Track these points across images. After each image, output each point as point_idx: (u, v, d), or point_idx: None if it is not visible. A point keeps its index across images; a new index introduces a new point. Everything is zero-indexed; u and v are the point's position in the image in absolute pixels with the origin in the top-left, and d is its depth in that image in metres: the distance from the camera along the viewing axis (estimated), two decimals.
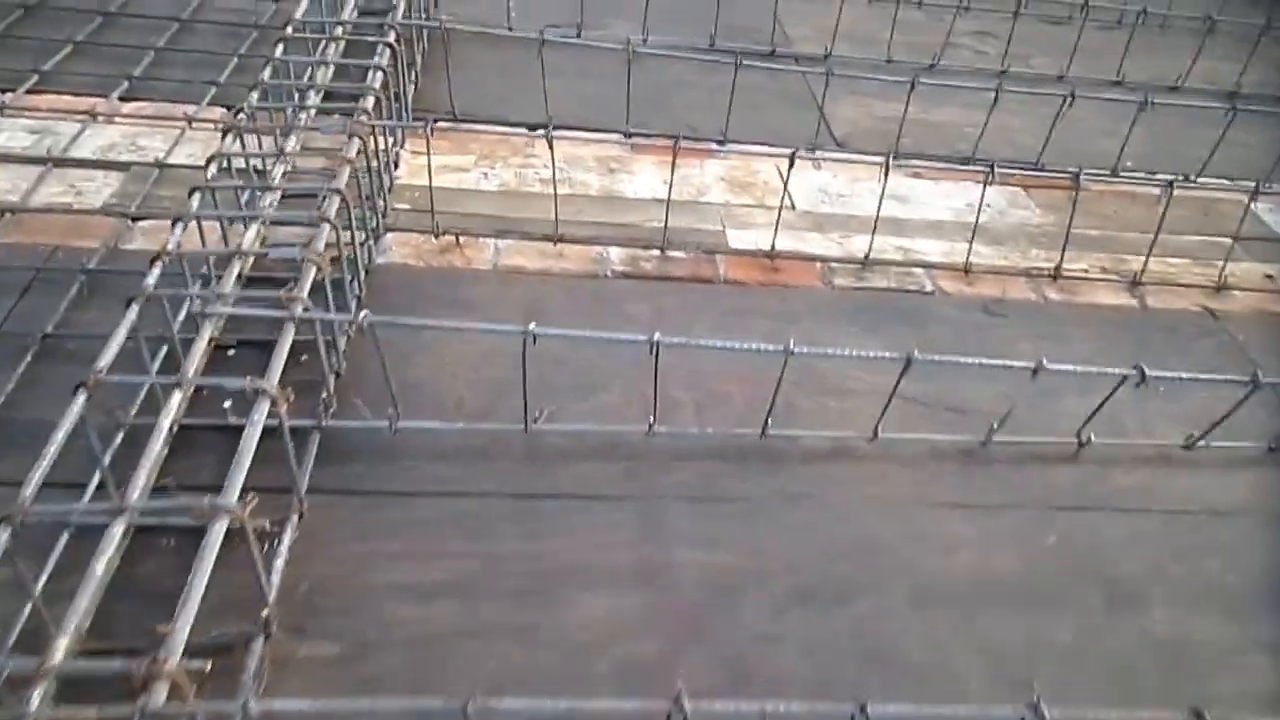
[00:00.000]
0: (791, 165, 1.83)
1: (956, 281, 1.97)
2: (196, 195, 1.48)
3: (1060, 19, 3.36)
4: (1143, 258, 2.12)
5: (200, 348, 1.18)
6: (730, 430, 1.51)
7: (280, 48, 1.88)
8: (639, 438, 1.47)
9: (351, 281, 1.60)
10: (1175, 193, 2.38)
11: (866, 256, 1.95)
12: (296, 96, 1.89)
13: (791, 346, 1.36)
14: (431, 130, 1.69)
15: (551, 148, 1.77)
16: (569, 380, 1.56)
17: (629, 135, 2.30)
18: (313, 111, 1.81)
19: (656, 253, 1.90)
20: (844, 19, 2.89)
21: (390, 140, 1.97)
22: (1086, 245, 2.14)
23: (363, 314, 1.23)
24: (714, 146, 2.32)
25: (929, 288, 1.94)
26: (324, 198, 1.53)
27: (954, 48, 3.00)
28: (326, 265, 1.34)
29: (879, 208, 1.92)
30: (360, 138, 1.63)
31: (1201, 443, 1.60)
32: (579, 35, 2.72)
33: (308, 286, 1.28)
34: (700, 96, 2.48)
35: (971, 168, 2.32)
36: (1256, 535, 1.48)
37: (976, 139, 2.39)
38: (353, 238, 1.56)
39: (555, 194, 1.83)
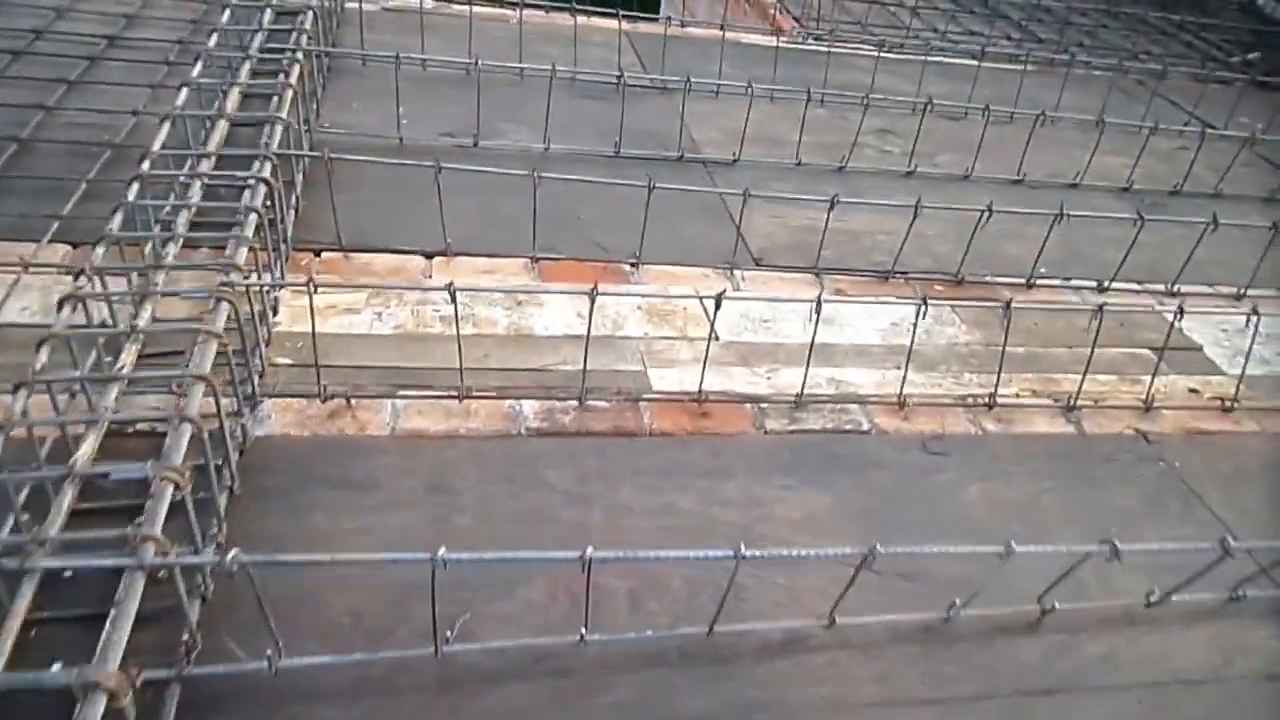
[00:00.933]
0: (718, 307, 1.69)
1: (893, 416, 1.86)
2: (45, 349, 1.24)
3: (957, 115, 3.40)
4: (1069, 375, 2.08)
5: (13, 626, 0.93)
6: (673, 630, 1.33)
7: (134, 189, 1.64)
8: (569, 648, 1.28)
9: (221, 468, 1.37)
10: (1090, 299, 2.36)
11: (799, 397, 1.82)
12: (154, 244, 1.66)
13: (742, 550, 1.20)
14: (315, 288, 1.48)
15: (456, 307, 1.58)
16: (486, 576, 1.36)
17: (536, 260, 2.13)
18: (170, 258, 1.58)
19: (574, 403, 1.73)
20: (742, 115, 2.82)
21: (266, 290, 1.74)
22: (1014, 364, 2.07)
23: (231, 554, 1.01)
24: (628, 268, 2.17)
25: (865, 426, 1.82)
26: (186, 372, 1.30)
27: (859, 146, 2.97)
28: (187, 481, 1.11)
29: (810, 347, 1.80)
30: (230, 302, 1.40)
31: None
32: (475, 144, 2.56)
33: (160, 519, 1.05)
34: (608, 209, 2.34)
35: (898, 293, 2.25)
36: (1231, 709, 1.39)
37: (896, 252, 2.33)
38: (221, 426, 1.32)
39: (460, 348, 1.64)
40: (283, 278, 1.86)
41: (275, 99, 2.11)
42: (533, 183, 1.99)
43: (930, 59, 3.45)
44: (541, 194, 2.05)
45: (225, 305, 1.40)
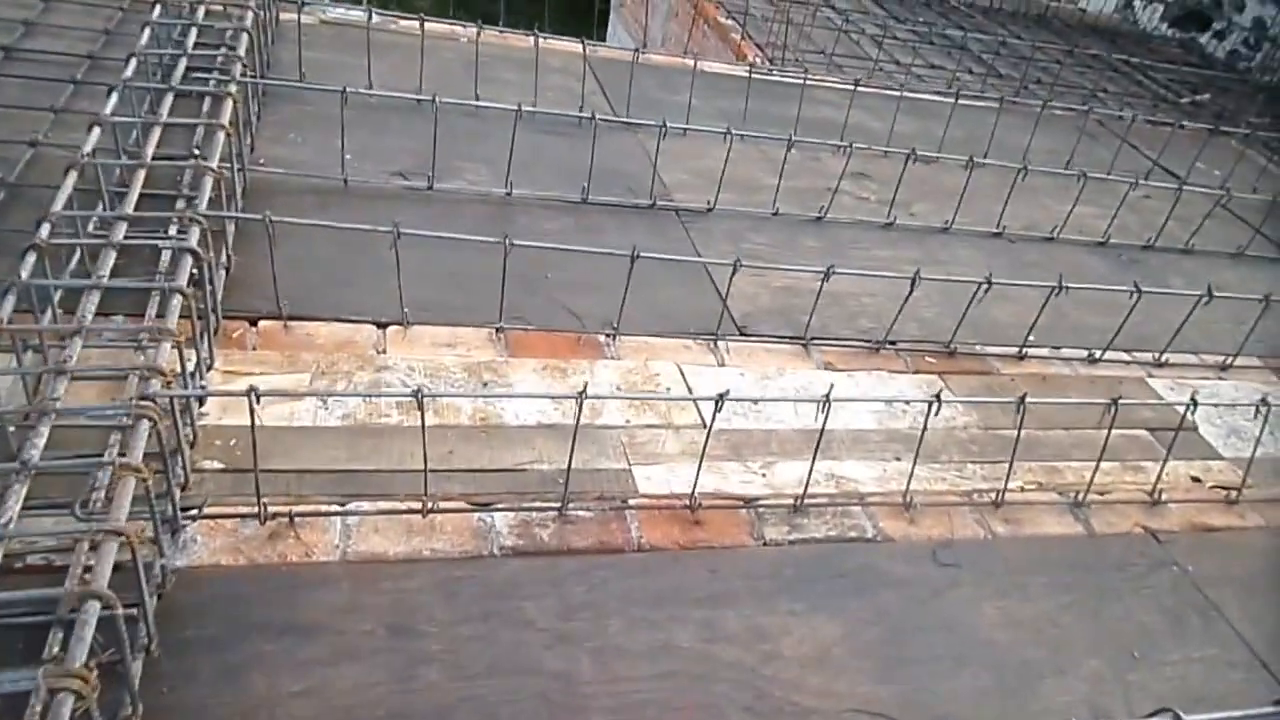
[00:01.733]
0: (718, 409, 1.51)
1: (898, 519, 1.70)
2: None
3: (929, 159, 3.28)
4: (1072, 463, 1.96)
5: None
6: None
7: (29, 261, 1.37)
8: None
9: (134, 620, 1.13)
10: (1080, 370, 2.26)
11: (799, 500, 1.65)
12: (54, 316, 1.39)
13: None
14: (258, 398, 1.24)
15: (422, 410, 1.35)
16: None
17: (501, 330, 1.91)
18: (75, 344, 1.32)
19: (554, 513, 1.52)
20: (713, 154, 2.64)
21: (193, 377, 1.48)
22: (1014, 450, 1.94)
23: None
24: (603, 339, 1.97)
25: (870, 531, 1.66)
26: (94, 524, 1.05)
27: (830, 192, 2.82)
28: (90, 688, 0.87)
29: (816, 449, 1.63)
30: (150, 418, 1.16)
31: None
32: (430, 187, 2.32)
33: None
34: (579, 268, 2.13)
35: (889, 365, 2.10)
36: None
37: (885, 320, 2.18)
38: (136, 567, 1.08)
39: (425, 455, 1.41)
40: (210, 357, 1.60)
41: (202, 135, 1.84)
42: (503, 249, 1.77)
43: (904, 95, 3.32)
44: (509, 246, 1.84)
45: (145, 424, 1.15)
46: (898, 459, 1.84)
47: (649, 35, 4.80)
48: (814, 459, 1.63)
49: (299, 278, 1.89)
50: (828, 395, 1.56)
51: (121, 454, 1.14)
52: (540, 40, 3.03)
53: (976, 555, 1.67)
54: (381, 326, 1.85)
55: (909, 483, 1.73)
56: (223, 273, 1.81)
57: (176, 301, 1.37)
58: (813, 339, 2.13)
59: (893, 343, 2.19)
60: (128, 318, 1.64)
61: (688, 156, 2.79)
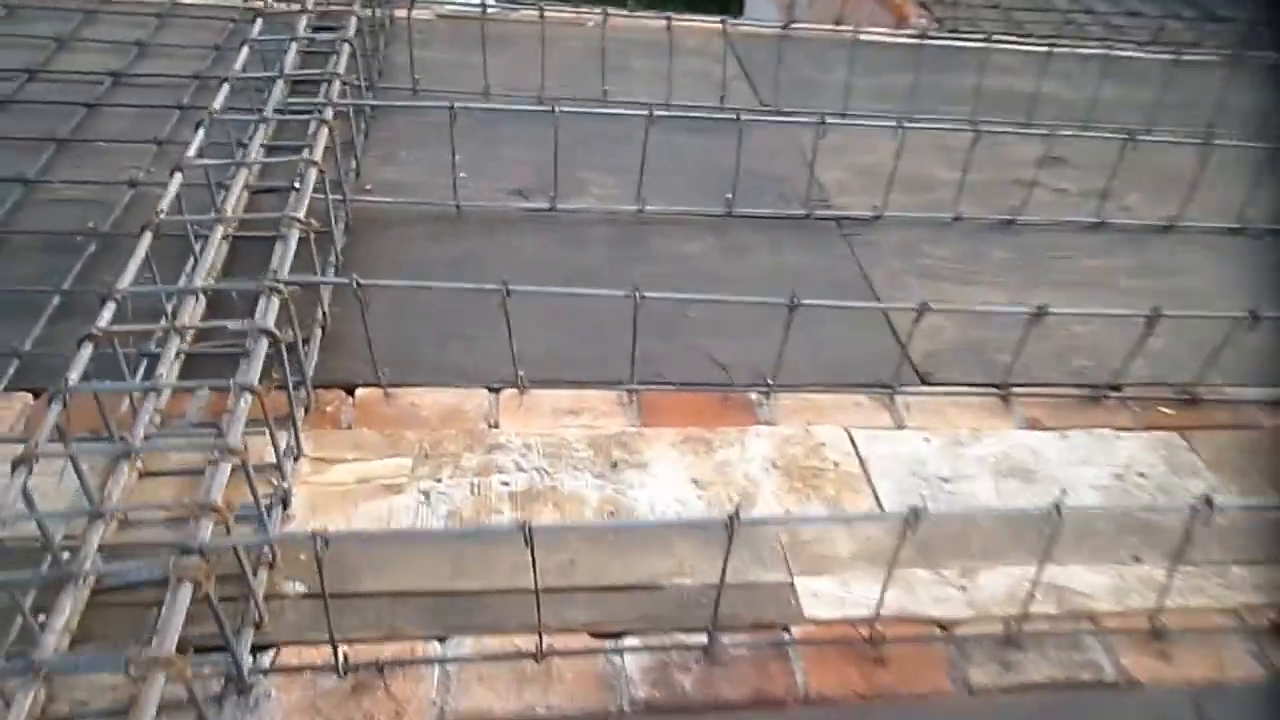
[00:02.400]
0: (913, 526, 1.16)
1: (1146, 654, 1.30)
2: None
3: (1138, 132, 2.74)
4: None
5: None
6: None
7: (84, 355, 1.17)
8: None
9: None
10: None
11: (1014, 627, 1.28)
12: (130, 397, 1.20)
13: None
14: (325, 544, 0.99)
15: (532, 546, 1.07)
16: None
17: (632, 391, 1.61)
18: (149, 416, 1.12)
19: (699, 650, 1.22)
20: (878, 147, 2.23)
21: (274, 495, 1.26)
22: None
23: None
24: (754, 398, 1.64)
25: (1109, 672, 1.27)
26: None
27: (1020, 185, 2.36)
28: None
29: (1039, 571, 1.25)
30: (196, 581, 0.93)
31: None
32: (552, 207, 2.04)
33: None
34: (720, 294, 1.80)
35: (1115, 420, 1.68)
36: None
37: (1108, 360, 1.75)
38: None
39: (538, 598, 1.13)
40: (297, 445, 1.38)
41: (293, 191, 1.61)
42: (634, 303, 1.47)
43: (1108, 52, 2.77)
44: (642, 279, 1.53)
45: (188, 590, 0.92)
46: (1137, 559, 1.43)
47: (793, 2, 4.34)
48: (1039, 572, 1.26)
49: (401, 332, 1.65)
50: (1057, 507, 1.18)
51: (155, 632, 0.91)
52: (673, 21, 2.69)
53: (1261, 709, 1.26)
54: (495, 391, 1.58)
55: (1158, 598, 1.33)
56: (318, 332, 1.59)
57: (245, 403, 1.14)
58: (1013, 386, 1.73)
59: (1116, 388, 1.76)
60: (212, 392, 1.45)
61: (848, 149, 2.40)
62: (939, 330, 1.86)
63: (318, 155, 1.65)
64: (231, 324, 1.25)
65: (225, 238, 1.60)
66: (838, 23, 3.19)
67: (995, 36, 3.24)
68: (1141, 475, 1.59)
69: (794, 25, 3.15)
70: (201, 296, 1.36)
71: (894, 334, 1.82)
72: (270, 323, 1.26)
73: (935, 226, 2.18)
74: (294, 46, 2.00)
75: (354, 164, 2.04)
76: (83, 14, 2.59)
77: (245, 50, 1.95)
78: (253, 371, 1.18)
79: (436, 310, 1.71)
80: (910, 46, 3.03)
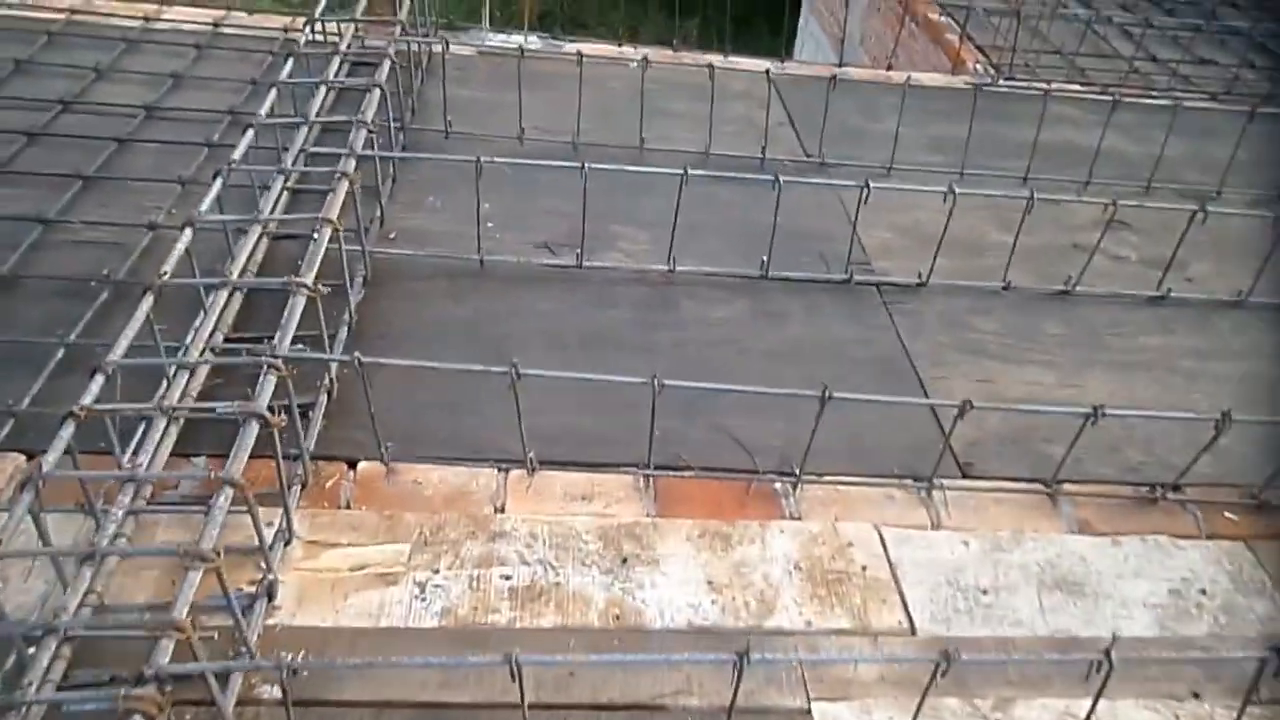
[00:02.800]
0: (944, 671, 1.04)
1: None
2: None
3: (1205, 193, 2.59)
4: None
5: None
6: None
7: (64, 435, 1.11)
8: None
9: None
10: None
11: None
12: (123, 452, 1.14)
13: None
14: (293, 673, 0.91)
15: (520, 683, 0.98)
16: None
17: (649, 476, 1.51)
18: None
19: None
20: (925, 203, 2.11)
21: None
22: None
23: None
24: (779, 487, 1.54)
25: None
26: None
27: (1078, 250, 2.23)
28: None
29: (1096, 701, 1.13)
30: (153, 715, 0.85)
31: None
32: (580, 265, 1.95)
33: None
34: (751, 376, 1.70)
35: (1173, 525, 1.55)
36: None
37: (1168, 457, 1.62)
38: None
39: (524, 711, 1.04)
40: (288, 529, 1.31)
41: (311, 240, 1.55)
42: (651, 391, 1.37)
43: (1179, 104, 2.61)
44: (669, 346, 1.44)
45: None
46: (1196, 696, 1.30)
47: (846, 32, 4.23)
48: (1094, 705, 1.14)
49: (410, 400, 1.58)
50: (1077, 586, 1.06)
51: None
52: (717, 66, 2.60)
53: None
54: (504, 469, 1.50)
55: None
56: (323, 399, 1.52)
57: (225, 499, 1.07)
58: (1061, 482, 1.60)
59: (1175, 488, 1.62)
60: (210, 459, 1.39)
61: (893, 207, 2.28)
62: (983, 417, 1.73)
63: (334, 211, 1.59)
64: (221, 407, 1.18)
65: (237, 290, 1.55)
66: (889, 65, 3.08)
67: (1055, 85, 3.11)
68: (1202, 593, 1.46)
69: (844, 67, 3.05)
70: (191, 373, 1.30)
71: (935, 418, 1.71)
72: (264, 405, 1.19)
73: (983, 295, 2.06)
74: (323, 90, 1.95)
75: (378, 211, 1.98)
76: (125, 43, 2.58)
77: (273, 93, 1.90)
78: (237, 464, 1.10)
79: (447, 379, 1.63)
80: (964, 92, 2.92)
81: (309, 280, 1.41)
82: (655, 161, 2.37)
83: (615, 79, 2.73)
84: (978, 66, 3.21)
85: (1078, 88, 3.12)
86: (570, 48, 2.92)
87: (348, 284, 1.66)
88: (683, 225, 1.93)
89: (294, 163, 1.74)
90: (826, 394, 1.38)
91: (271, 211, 1.63)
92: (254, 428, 1.18)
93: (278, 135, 1.92)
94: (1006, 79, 3.08)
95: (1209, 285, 2.19)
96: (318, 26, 2.31)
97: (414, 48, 2.51)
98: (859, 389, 1.72)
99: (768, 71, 2.46)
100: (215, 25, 2.72)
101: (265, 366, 1.24)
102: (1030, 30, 3.41)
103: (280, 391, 1.27)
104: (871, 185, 1.89)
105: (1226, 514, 1.61)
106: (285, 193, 1.76)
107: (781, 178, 1.88)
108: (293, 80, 1.99)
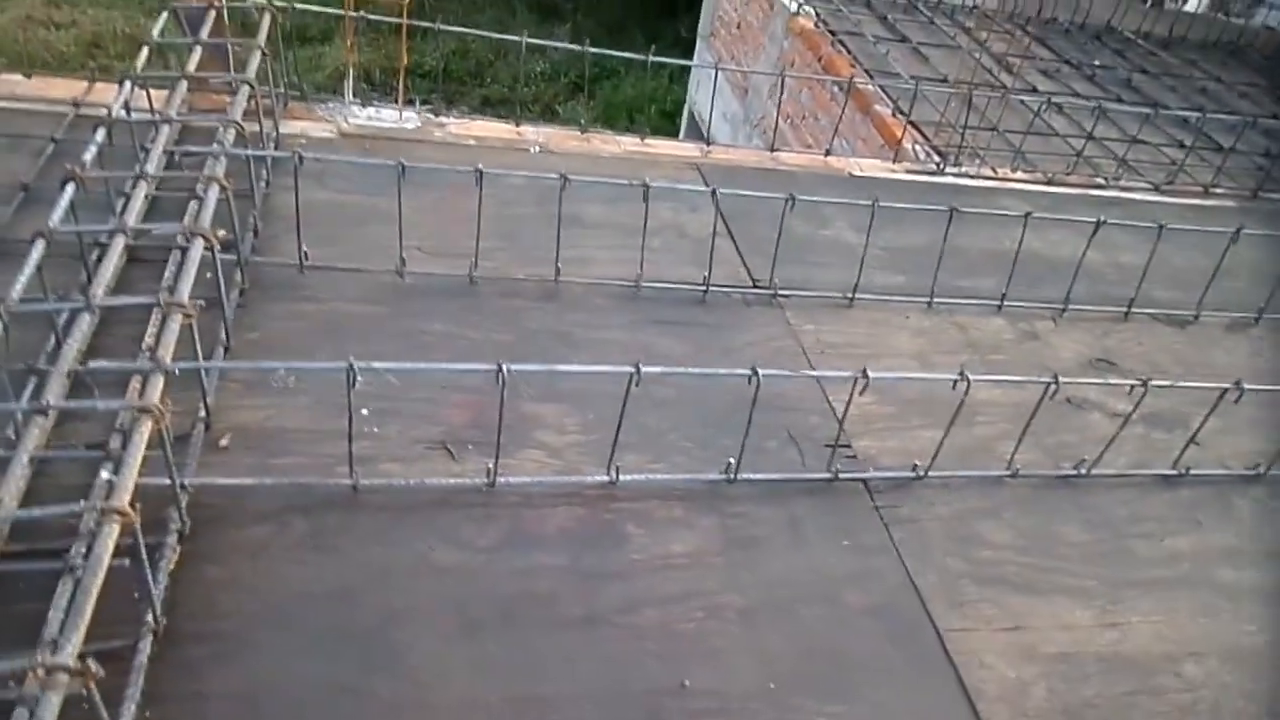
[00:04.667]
0: None
1: None
2: None
3: (1184, 319, 2.33)
4: None
5: None
6: None
7: None
8: None
9: None
10: None
11: None
12: None
13: None
14: None
15: None
16: None
17: None
18: None
19: None
20: (905, 352, 1.74)
21: None
22: None
23: None
24: None
25: None
26: None
27: (1074, 407, 1.92)
28: None
29: None
30: None
31: None
32: (492, 482, 1.45)
33: None
34: (723, 644, 1.26)
35: None
36: None
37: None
38: None
39: None
40: None
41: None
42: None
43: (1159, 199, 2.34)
44: (611, 606, 0.98)
45: None
46: None
47: (750, 86, 3.84)
48: None
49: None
50: None
51: None
52: (633, 148, 2.14)
53: None
54: None
55: None
56: None
57: None
58: None
59: None
60: None
61: (857, 348, 1.91)
62: (1023, 685, 1.36)
63: (134, 462, 1.04)
64: None
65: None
66: (827, 152, 2.69)
67: (1002, 173, 2.82)
68: None
69: (776, 152, 2.66)
70: None
71: (964, 693, 1.32)
72: None
73: (987, 487, 1.69)
74: (120, 240, 1.36)
75: (202, 410, 1.41)
76: None
77: (59, 208, 1.31)
78: None
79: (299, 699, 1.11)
80: (911, 185, 2.60)
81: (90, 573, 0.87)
82: (573, 296, 1.91)
83: (517, 168, 2.15)
84: (918, 148, 2.88)
85: (1023, 176, 2.84)
86: (455, 126, 2.40)
87: (150, 584, 1.11)
88: (617, 400, 1.44)
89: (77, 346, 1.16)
90: None
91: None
92: None
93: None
94: (953, 165, 2.75)
95: (1220, 449, 1.91)
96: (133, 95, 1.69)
97: (261, 128, 1.93)
98: (868, 666, 1.31)
99: (716, 197, 1.98)
100: None
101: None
102: (963, 102, 3.11)
103: None
104: (870, 375, 1.47)
105: None
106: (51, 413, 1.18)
107: (761, 372, 1.43)
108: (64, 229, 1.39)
